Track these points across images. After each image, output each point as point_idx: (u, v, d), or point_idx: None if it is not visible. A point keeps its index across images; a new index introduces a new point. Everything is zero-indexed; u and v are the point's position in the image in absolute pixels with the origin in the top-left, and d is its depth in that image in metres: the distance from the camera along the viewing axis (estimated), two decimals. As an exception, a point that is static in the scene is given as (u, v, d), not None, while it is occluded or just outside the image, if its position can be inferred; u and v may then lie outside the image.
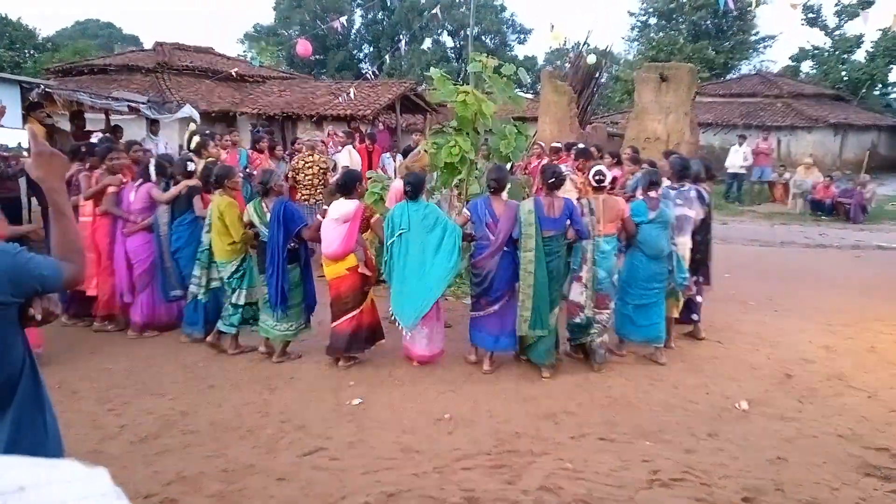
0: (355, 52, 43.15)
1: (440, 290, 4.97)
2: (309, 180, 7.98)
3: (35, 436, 1.78)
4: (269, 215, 5.00)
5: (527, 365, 5.16)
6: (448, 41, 43.33)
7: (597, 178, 5.09)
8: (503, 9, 43.01)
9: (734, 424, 4.22)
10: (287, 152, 9.87)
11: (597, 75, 18.79)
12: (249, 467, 3.54)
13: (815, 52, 30.24)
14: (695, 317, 5.92)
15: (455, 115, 6.58)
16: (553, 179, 4.97)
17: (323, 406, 4.39)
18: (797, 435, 4.07)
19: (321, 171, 8.04)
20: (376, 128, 15.65)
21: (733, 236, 12.05)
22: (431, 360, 5.17)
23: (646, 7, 34.13)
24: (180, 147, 11.18)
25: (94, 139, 7.48)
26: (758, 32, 33.43)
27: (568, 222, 4.92)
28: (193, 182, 5.72)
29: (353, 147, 9.97)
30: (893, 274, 9.12)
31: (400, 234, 4.95)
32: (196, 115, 12.49)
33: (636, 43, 35.84)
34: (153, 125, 10.67)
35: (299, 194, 8.00)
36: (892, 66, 27.38)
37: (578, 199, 5.37)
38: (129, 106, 11.33)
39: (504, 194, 5.13)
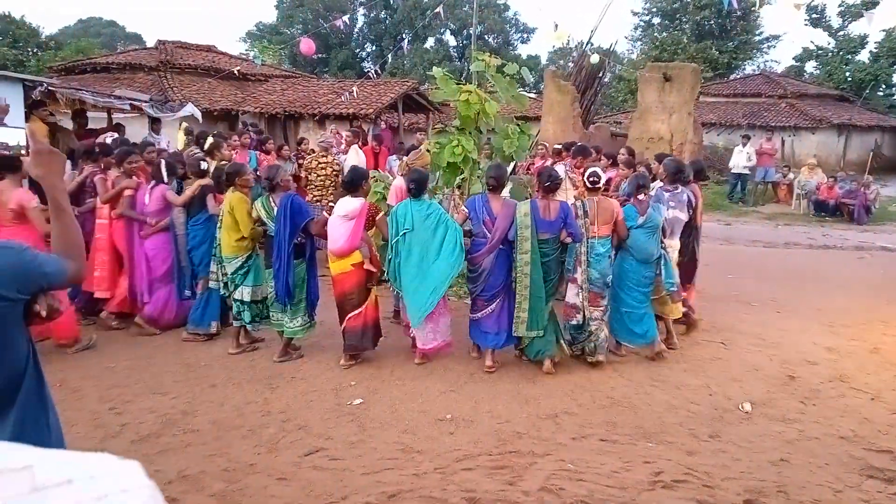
0: (358, 50, 43.15)
1: (444, 289, 5.02)
2: (321, 181, 7.98)
3: (38, 434, 1.78)
4: (276, 210, 5.03)
5: (528, 365, 5.16)
6: (451, 40, 43.35)
7: (591, 179, 5.11)
8: (506, 8, 43.00)
9: (736, 426, 4.21)
10: (293, 153, 9.85)
11: (600, 75, 18.77)
12: (250, 466, 3.54)
13: (819, 52, 30.18)
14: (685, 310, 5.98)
15: (458, 115, 6.57)
16: (549, 183, 5.01)
17: (324, 406, 4.39)
18: (800, 437, 4.05)
19: (333, 172, 8.04)
20: (379, 127, 15.64)
21: (736, 237, 12.03)
22: (438, 351, 5.21)
23: (649, 7, 34.09)
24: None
25: (108, 139, 7.50)
26: (762, 32, 33.40)
27: (563, 224, 4.97)
28: (206, 181, 5.78)
29: (359, 147, 9.96)
30: (897, 275, 9.08)
31: (404, 233, 4.99)
32: (198, 114, 12.49)
33: (640, 42, 35.86)
34: (155, 124, 10.67)
35: (310, 195, 8.00)
36: (896, 66, 27.36)
37: (576, 197, 5.39)
38: (131, 104, 11.34)
39: (506, 192, 5.15)
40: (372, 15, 42.73)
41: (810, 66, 31.61)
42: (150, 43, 27.73)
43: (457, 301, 6.70)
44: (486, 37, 40.36)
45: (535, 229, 4.90)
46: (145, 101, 11.61)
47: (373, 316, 5.16)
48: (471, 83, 7.16)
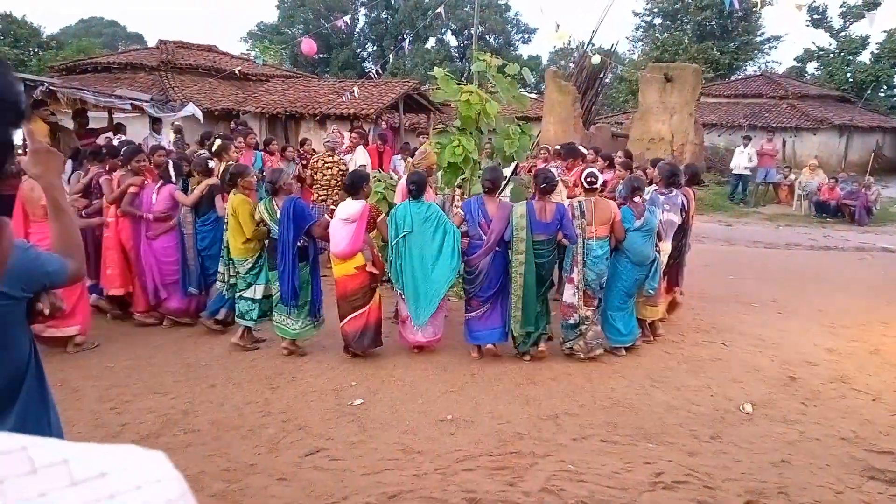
0: (359, 50, 43.17)
1: (445, 290, 5.13)
2: (327, 181, 7.98)
3: (40, 433, 1.77)
4: (279, 213, 5.07)
5: (529, 366, 5.17)
6: (452, 40, 43.36)
7: (588, 180, 5.13)
8: (508, 8, 43.01)
9: (737, 427, 4.20)
10: (297, 153, 9.86)
11: (601, 75, 18.77)
12: (250, 467, 3.54)
13: (821, 53, 30.18)
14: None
15: (459, 115, 6.56)
16: (545, 184, 5.04)
17: (324, 406, 4.39)
18: (800, 438, 4.04)
19: (340, 172, 8.04)
20: (380, 127, 15.64)
21: (737, 238, 12.02)
22: (430, 345, 5.32)
23: (651, 7, 34.10)
24: (185, 144, 11.20)
25: (115, 141, 7.56)
26: (763, 33, 33.41)
27: (559, 226, 5.01)
28: (213, 181, 5.84)
29: (364, 147, 9.96)
30: (898, 276, 9.07)
31: (403, 235, 5.05)
32: (199, 114, 12.49)
33: (641, 43, 35.84)
34: (156, 123, 10.69)
35: (315, 195, 8.00)
36: (897, 67, 27.34)
37: (569, 196, 5.43)
38: (132, 104, 11.33)
39: (507, 193, 5.18)
40: (373, 15, 42.75)
41: (811, 67, 31.64)
42: (152, 43, 27.76)
43: (457, 301, 6.69)
44: (487, 37, 40.36)
45: (531, 231, 4.96)
46: (146, 101, 11.61)
47: (375, 317, 5.19)
48: (472, 83, 7.15)
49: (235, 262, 5.38)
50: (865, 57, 28.51)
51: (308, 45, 13.59)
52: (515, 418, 4.24)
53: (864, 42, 28.37)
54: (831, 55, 29.45)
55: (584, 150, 8.18)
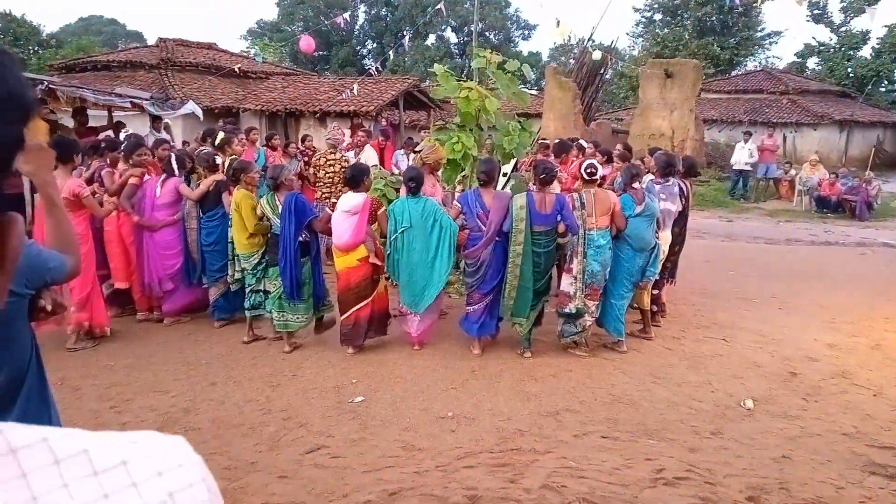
0: (359, 48, 43.11)
1: (444, 282, 5.22)
2: (329, 178, 7.97)
3: None
4: (281, 208, 5.11)
5: (529, 363, 5.17)
6: (452, 37, 43.30)
7: (588, 171, 5.14)
8: (507, 4, 42.91)
9: (738, 423, 4.20)
10: (299, 150, 9.84)
11: (601, 71, 18.73)
12: (251, 465, 3.54)
13: (821, 48, 30.09)
14: (653, 307, 6.01)
15: (458, 112, 6.55)
16: (544, 175, 5.06)
17: (325, 403, 4.39)
18: (801, 433, 4.04)
19: (342, 169, 8.02)
20: (380, 124, 15.62)
21: (738, 233, 12.01)
22: (422, 337, 5.39)
23: (651, 3, 34.01)
24: (184, 143, 11.19)
25: (122, 136, 7.56)
26: (763, 29, 33.29)
27: (559, 217, 5.02)
28: (220, 176, 5.88)
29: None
30: (899, 271, 9.05)
31: (402, 230, 5.10)
32: (199, 112, 12.46)
33: (641, 39, 35.79)
34: (156, 121, 10.66)
35: (319, 192, 7.99)
36: (898, 62, 27.26)
37: (565, 189, 5.46)
38: (131, 102, 11.30)
39: (507, 186, 5.20)
40: (373, 12, 42.69)
41: (812, 63, 31.53)
42: (151, 41, 27.65)
43: (458, 298, 6.69)
44: (487, 33, 40.31)
45: (531, 222, 5.00)
46: (146, 99, 11.57)
47: (379, 307, 5.29)
48: (472, 80, 7.13)
49: (241, 259, 5.45)
50: (866, 52, 28.45)
51: (307, 43, 13.54)
52: (516, 415, 4.24)
53: (864, 37, 28.29)
54: (832, 50, 29.38)
55: (585, 144, 8.18)
